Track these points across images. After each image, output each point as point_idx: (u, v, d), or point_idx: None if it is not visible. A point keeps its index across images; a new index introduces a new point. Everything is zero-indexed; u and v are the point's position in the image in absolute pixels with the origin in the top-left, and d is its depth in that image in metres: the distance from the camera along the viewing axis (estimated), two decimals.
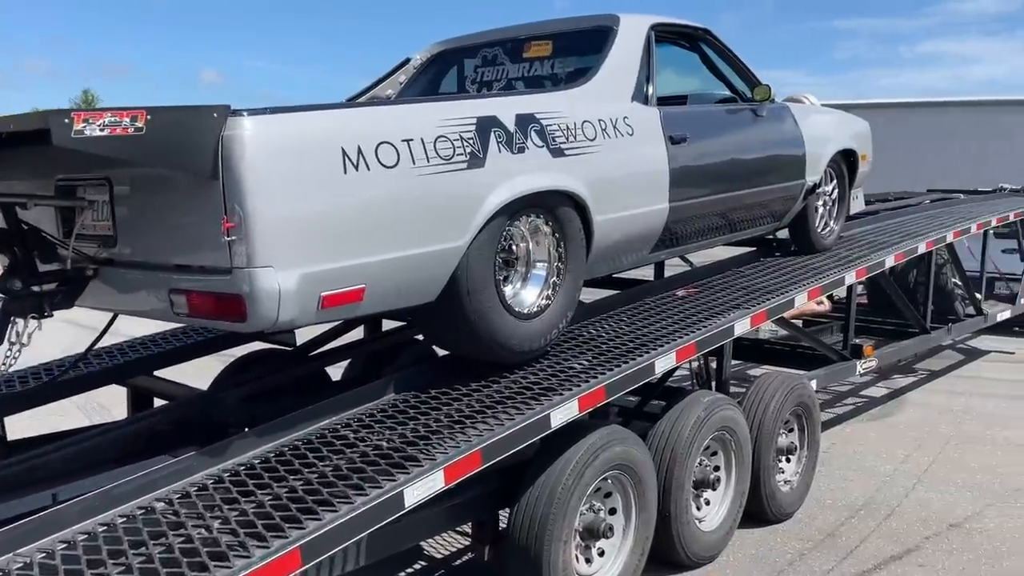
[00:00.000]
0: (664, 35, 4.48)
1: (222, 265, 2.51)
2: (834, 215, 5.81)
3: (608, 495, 3.56)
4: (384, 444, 2.81)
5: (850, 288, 6.03)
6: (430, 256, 2.98)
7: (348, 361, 5.04)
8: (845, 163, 5.75)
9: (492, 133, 3.17)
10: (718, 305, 4.35)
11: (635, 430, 4.02)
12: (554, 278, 3.53)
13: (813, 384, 5.43)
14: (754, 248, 5.90)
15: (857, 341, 6.08)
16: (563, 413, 3.14)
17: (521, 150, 3.27)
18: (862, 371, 6.06)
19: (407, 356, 4.76)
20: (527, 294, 3.47)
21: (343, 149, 2.67)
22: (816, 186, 5.32)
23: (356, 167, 2.69)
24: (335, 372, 4.85)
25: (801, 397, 4.75)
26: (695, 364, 4.80)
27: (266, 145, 2.49)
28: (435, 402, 3.19)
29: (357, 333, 5.19)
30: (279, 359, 4.62)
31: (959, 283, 8.55)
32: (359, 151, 2.70)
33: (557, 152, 3.43)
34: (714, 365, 4.67)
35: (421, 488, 2.59)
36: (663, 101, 4.29)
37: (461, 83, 4.63)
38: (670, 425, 3.90)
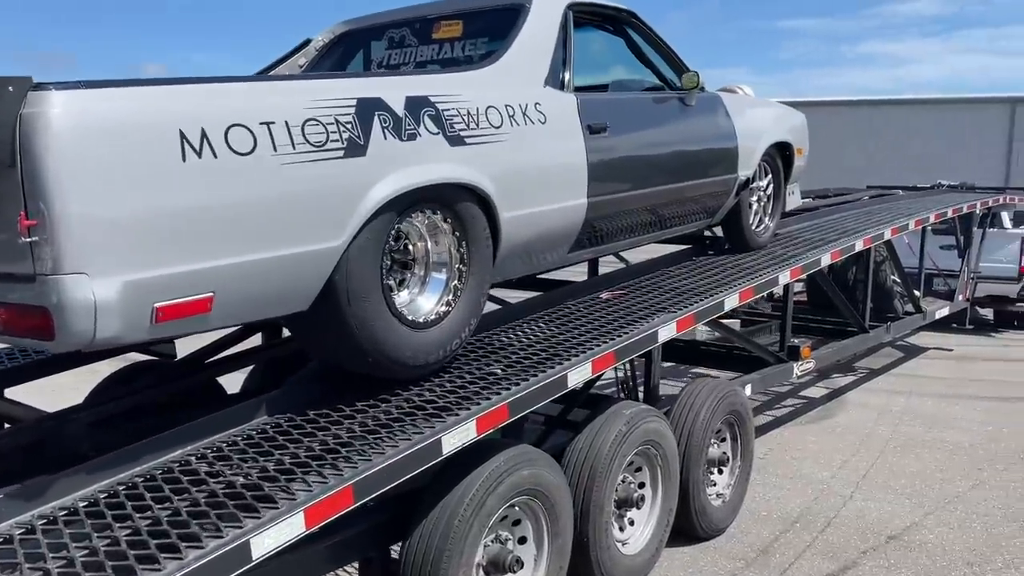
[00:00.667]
0: (584, 17, 4.09)
1: (24, 272, 2.06)
2: (769, 211, 5.48)
3: (517, 523, 3.17)
4: (240, 480, 2.37)
5: (787, 287, 5.75)
6: (299, 258, 2.53)
7: (251, 369, 4.58)
8: (780, 157, 5.42)
9: (376, 117, 2.74)
10: (643, 308, 3.98)
11: (555, 443, 3.65)
12: (455, 282, 3.11)
13: (748, 389, 5.13)
14: (688, 246, 5.55)
15: (794, 342, 5.78)
16: (457, 436, 2.73)
17: (412, 137, 2.85)
18: (799, 373, 5.77)
19: (316, 363, 4.31)
20: (424, 301, 3.06)
21: (182, 132, 2.21)
22: (749, 181, 4.98)
23: (199, 154, 2.24)
24: (234, 381, 4.38)
25: (733, 405, 4.41)
26: (622, 371, 4.44)
27: (78, 126, 2.03)
28: (311, 426, 2.75)
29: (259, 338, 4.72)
30: (172, 369, 4.14)
31: (898, 280, 8.34)
32: (203, 135, 2.25)
33: (456, 140, 3.01)
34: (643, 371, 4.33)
35: (276, 535, 2.16)
36: (583, 88, 3.90)
37: (367, 67, 4.19)
38: (588, 441, 3.52)
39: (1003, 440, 6.22)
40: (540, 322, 3.84)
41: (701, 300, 4.10)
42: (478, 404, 2.86)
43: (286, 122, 2.47)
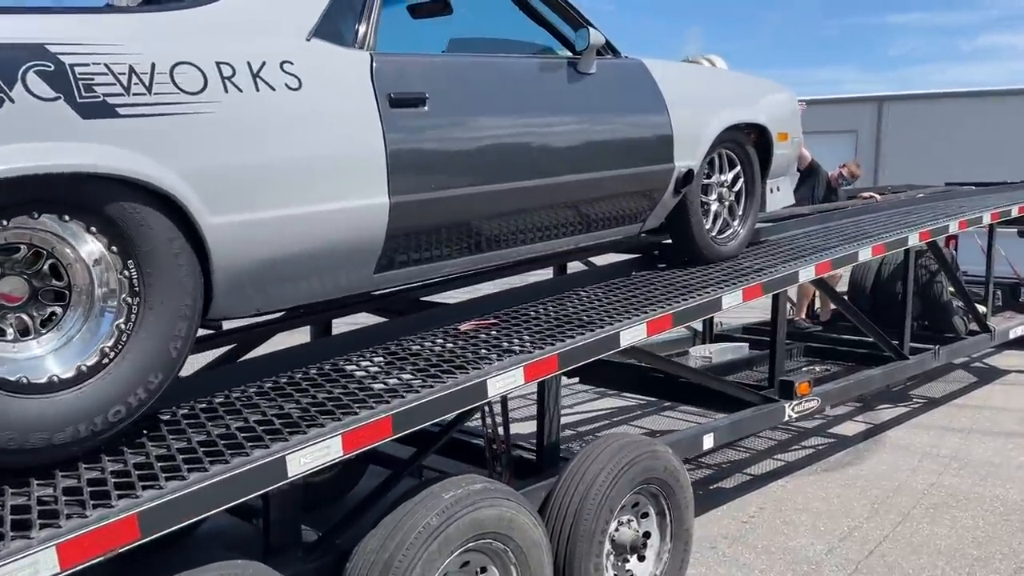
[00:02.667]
0: None
1: None
2: (738, 213, 4.21)
3: None
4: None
5: (776, 304, 4.51)
6: None
7: None
8: (753, 144, 4.17)
9: None
10: (495, 348, 2.86)
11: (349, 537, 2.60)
12: (119, 321, 2.11)
13: (708, 441, 3.96)
14: (633, 256, 4.37)
15: (787, 377, 4.53)
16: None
17: None
18: (794, 415, 4.52)
19: None
20: (53, 353, 2.06)
21: None
22: (692, 172, 3.73)
23: None
24: None
25: (651, 471, 3.24)
26: (488, 420, 3.34)
27: None
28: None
29: None
30: None
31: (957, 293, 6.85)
32: None
33: (98, 110, 1.99)
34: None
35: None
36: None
37: None
38: (379, 542, 2.45)
39: None
40: (325, 367, 2.75)
41: (579, 335, 2.95)
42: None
43: None
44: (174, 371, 2.20)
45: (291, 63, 2.39)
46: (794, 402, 4.46)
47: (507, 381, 2.62)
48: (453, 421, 2.99)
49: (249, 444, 2.11)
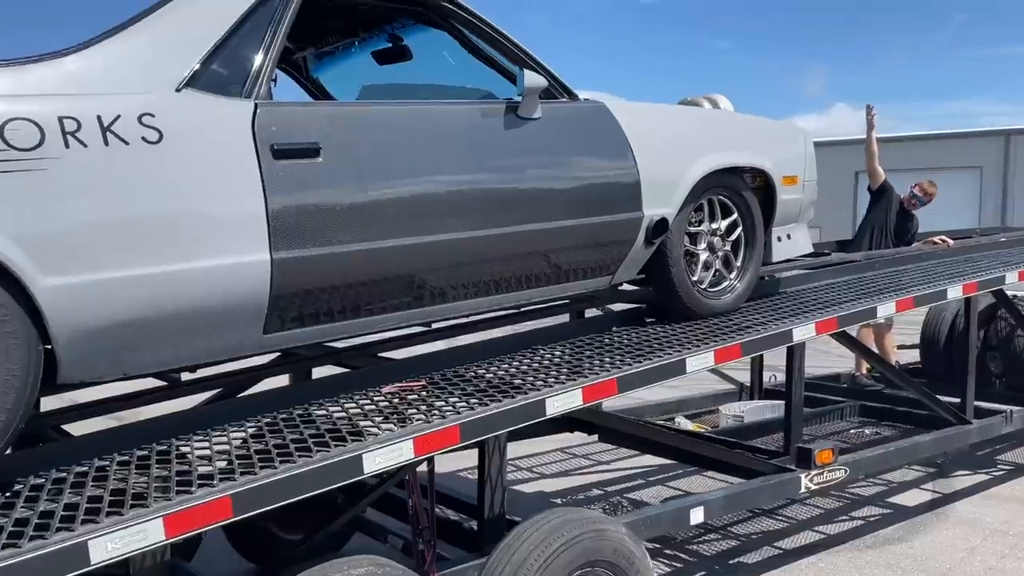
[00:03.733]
0: (354, 5, 2.98)
1: None
2: (737, 264, 3.83)
3: None
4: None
5: (790, 362, 4.05)
6: None
7: None
8: (751, 189, 3.81)
9: None
10: (393, 416, 2.61)
11: None
12: None
13: (697, 515, 3.55)
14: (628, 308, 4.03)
15: (806, 444, 4.05)
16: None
17: None
18: (813, 488, 4.03)
19: None
20: None
21: None
22: (665, 221, 3.40)
23: None
24: None
25: (595, 553, 2.86)
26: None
27: None
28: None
29: None
30: None
31: None
32: None
33: None
34: None
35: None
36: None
37: None
38: None
39: None
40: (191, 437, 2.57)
41: (501, 403, 2.66)
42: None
43: None
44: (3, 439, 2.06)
45: (151, 115, 2.27)
46: (813, 472, 3.98)
47: (391, 456, 2.36)
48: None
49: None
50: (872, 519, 5.18)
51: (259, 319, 2.48)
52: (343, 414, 2.70)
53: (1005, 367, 6.05)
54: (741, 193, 3.76)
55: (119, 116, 2.21)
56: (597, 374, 2.91)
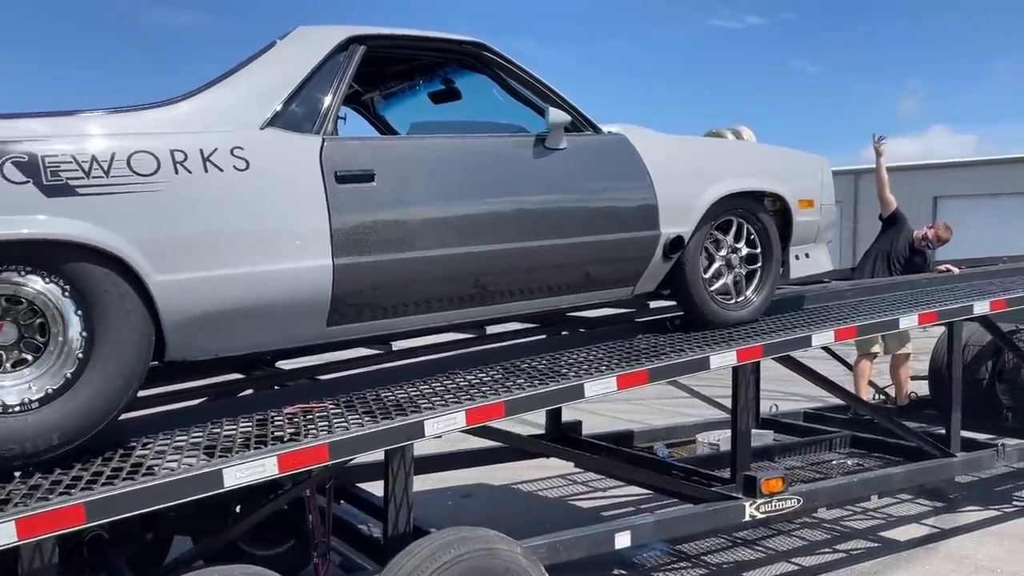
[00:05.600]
0: (397, 50, 3.46)
1: None
2: (755, 280, 4.14)
3: None
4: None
5: (736, 385, 4.02)
6: None
7: None
8: (767, 212, 4.15)
9: None
10: (260, 438, 2.74)
11: None
12: (74, 361, 2.52)
13: (623, 539, 3.55)
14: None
15: (752, 473, 4.00)
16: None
17: None
18: (759, 516, 3.97)
19: None
20: (16, 381, 2.48)
21: None
22: (681, 239, 3.78)
23: None
24: None
25: (484, 572, 2.92)
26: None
27: None
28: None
29: None
30: None
31: None
32: None
33: (59, 190, 2.46)
34: None
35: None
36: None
37: None
38: None
39: None
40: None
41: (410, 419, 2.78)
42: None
43: None
44: (120, 404, 2.59)
45: (241, 148, 2.80)
46: (759, 500, 3.92)
47: (252, 472, 2.50)
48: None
49: None
50: (856, 552, 5.03)
51: (323, 314, 2.95)
52: (242, 430, 2.86)
53: (1014, 399, 5.78)
54: (758, 215, 4.09)
55: (216, 149, 2.75)
56: (485, 396, 2.98)
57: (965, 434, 5.00)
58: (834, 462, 5.27)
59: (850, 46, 67.79)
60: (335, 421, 2.86)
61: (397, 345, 3.94)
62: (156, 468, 2.49)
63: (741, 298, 4.12)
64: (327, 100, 3.05)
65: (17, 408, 2.44)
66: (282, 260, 2.80)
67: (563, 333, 4.30)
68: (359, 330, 3.16)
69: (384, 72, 3.87)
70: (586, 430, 5.51)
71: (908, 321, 4.22)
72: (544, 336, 4.28)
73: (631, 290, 3.85)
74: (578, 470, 6.13)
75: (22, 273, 2.44)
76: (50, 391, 2.48)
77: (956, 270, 6.13)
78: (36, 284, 2.45)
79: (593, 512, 5.72)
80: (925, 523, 5.53)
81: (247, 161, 2.79)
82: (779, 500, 3.98)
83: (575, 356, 3.67)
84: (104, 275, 2.52)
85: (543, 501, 6.07)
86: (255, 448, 2.60)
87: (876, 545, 5.15)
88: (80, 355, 2.51)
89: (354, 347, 3.83)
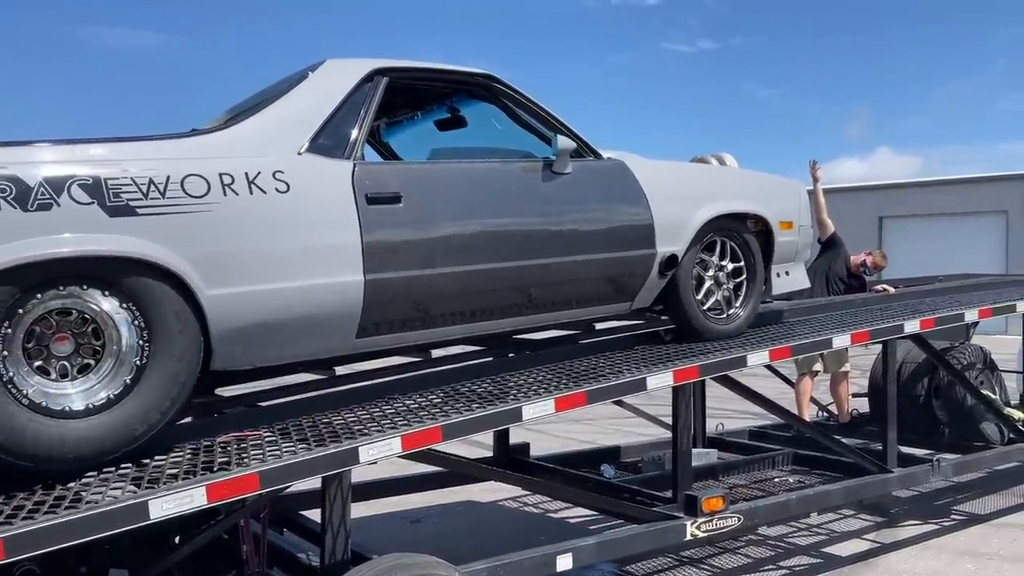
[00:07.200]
0: (415, 83, 3.65)
1: None
2: (742, 295, 4.36)
3: None
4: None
5: (676, 402, 4.04)
6: None
7: None
8: (751, 232, 4.36)
9: None
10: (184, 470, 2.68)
11: None
12: (132, 369, 2.67)
13: (564, 561, 3.53)
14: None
15: (692, 492, 4.02)
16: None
17: (45, 207, 2.51)
18: (700, 535, 3.99)
19: None
20: (73, 387, 2.61)
21: None
22: (675, 257, 4.00)
23: None
24: None
25: None
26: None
27: None
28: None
29: None
30: None
31: (992, 397, 5.91)
32: None
33: (121, 210, 2.63)
34: None
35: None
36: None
37: None
38: None
39: None
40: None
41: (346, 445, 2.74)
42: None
43: None
44: (171, 408, 2.73)
45: (282, 172, 2.98)
46: (700, 519, 3.94)
47: (180, 503, 2.45)
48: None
49: None
50: (799, 569, 5.07)
51: (354, 326, 3.13)
52: (174, 460, 2.80)
53: (949, 416, 5.90)
54: (743, 235, 4.31)
55: (260, 172, 2.93)
56: (422, 421, 2.97)
57: (904, 449, 5.10)
58: (776, 479, 5.33)
59: (800, 71, 69.23)
60: (268, 449, 2.81)
61: (340, 370, 3.91)
62: (81, 500, 2.43)
63: (730, 312, 4.34)
64: (356, 127, 3.25)
65: (82, 413, 2.59)
66: (319, 276, 2.98)
67: (510, 355, 4.31)
68: (385, 341, 3.34)
69: (393, 102, 4.01)
70: (539, 451, 5.50)
71: (842, 340, 4.31)
72: (490, 359, 4.28)
73: (629, 305, 4.08)
74: (528, 492, 6.12)
75: (84, 287, 2.59)
76: (112, 396, 2.63)
77: (892, 290, 6.27)
78: (98, 298, 2.61)
79: (545, 534, 5.70)
80: (866, 538, 5.60)
81: (288, 184, 2.97)
82: (720, 519, 4.01)
83: (520, 378, 3.66)
84: (161, 289, 2.68)
85: (492, 524, 6.03)
86: (183, 479, 2.55)
87: (819, 561, 5.20)
88: (137, 362, 2.66)
89: (298, 372, 3.80)
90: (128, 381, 2.65)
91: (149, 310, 2.67)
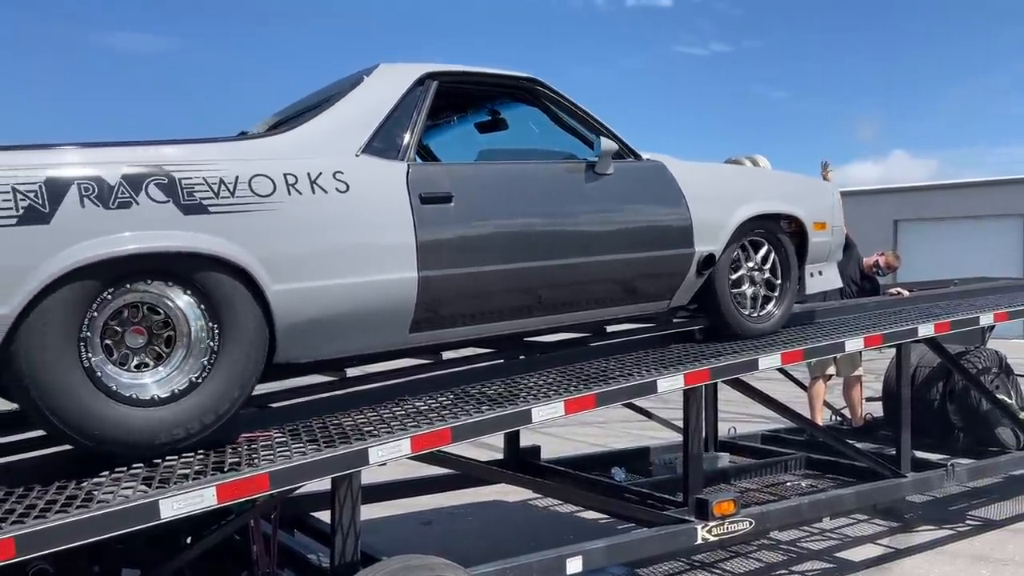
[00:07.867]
0: (464, 87, 3.73)
1: None
2: (776, 294, 4.42)
3: None
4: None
5: (687, 404, 4.01)
6: None
7: None
8: (785, 232, 4.44)
9: (76, 186, 2.56)
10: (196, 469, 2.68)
11: None
12: (203, 361, 2.78)
13: (574, 565, 3.52)
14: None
15: (703, 496, 3.99)
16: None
17: (125, 205, 2.62)
18: (711, 539, 3.95)
19: None
20: (152, 377, 2.74)
21: None
22: (712, 256, 4.05)
23: None
24: None
25: None
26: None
27: None
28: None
29: None
30: None
31: (1009, 402, 5.85)
32: None
33: (194, 208, 2.74)
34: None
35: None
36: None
37: None
38: None
39: None
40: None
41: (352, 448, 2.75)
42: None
43: None
44: (240, 397, 2.85)
45: (342, 172, 3.08)
46: (711, 523, 3.91)
47: (190, 503, 2.45)
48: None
49: None
50: (811, 574, 5.03)
51: (407, 321, 3.21)
52: (171, 463, 2.80)
53: (965, 421, 5.84)
54: (778, 236, 4.38)
55: (321, 173, 3.02)
56: (432, 423, 2.96)
57: (918, 454, 5.06)
58: (788, 483, 5.29)
59: (812, 73, 68.92)
60: (279, 450, 2.82)
61: (350, 372, 3.91)
62: (93, 500, 2.44)
63: (764, 311, 4.40)
64: (409, 130, 3.34)
65: (155, 401, 2.70)
66: (375, 272, 3.07)
67: (520, 357, 4.30)
68: (436, 336, 3.42)
69: (437, 104, 4.07)
70: (550, 454, 5.48)
71: (854, 344, 4.27)
72: (501, 361, 4.27)
73: (667, 303, 4.14)
74: (539, 495, 6.10)
75: (165, 283, 2.71)
76: (185, 386, 2.74)
77: (907, 293, 6.21)
78: (172, 292, 2.72)
79: (557, 536, 5.68)
80: (880, 543, 5.55)
81: (347, 184, 3.07)
82: (731, 522, 3.97)
83: (530, 380, 3.65)
84: (231, 284, 2.78)
85: (503, 526, 6.02)
86: (194, 479, 2.55)
87: (831, 566, 5.15)
88: (208, 355, 2.77)
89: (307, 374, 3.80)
90: (199, 372, 2.76)
91: (219, 305, 2.77)
